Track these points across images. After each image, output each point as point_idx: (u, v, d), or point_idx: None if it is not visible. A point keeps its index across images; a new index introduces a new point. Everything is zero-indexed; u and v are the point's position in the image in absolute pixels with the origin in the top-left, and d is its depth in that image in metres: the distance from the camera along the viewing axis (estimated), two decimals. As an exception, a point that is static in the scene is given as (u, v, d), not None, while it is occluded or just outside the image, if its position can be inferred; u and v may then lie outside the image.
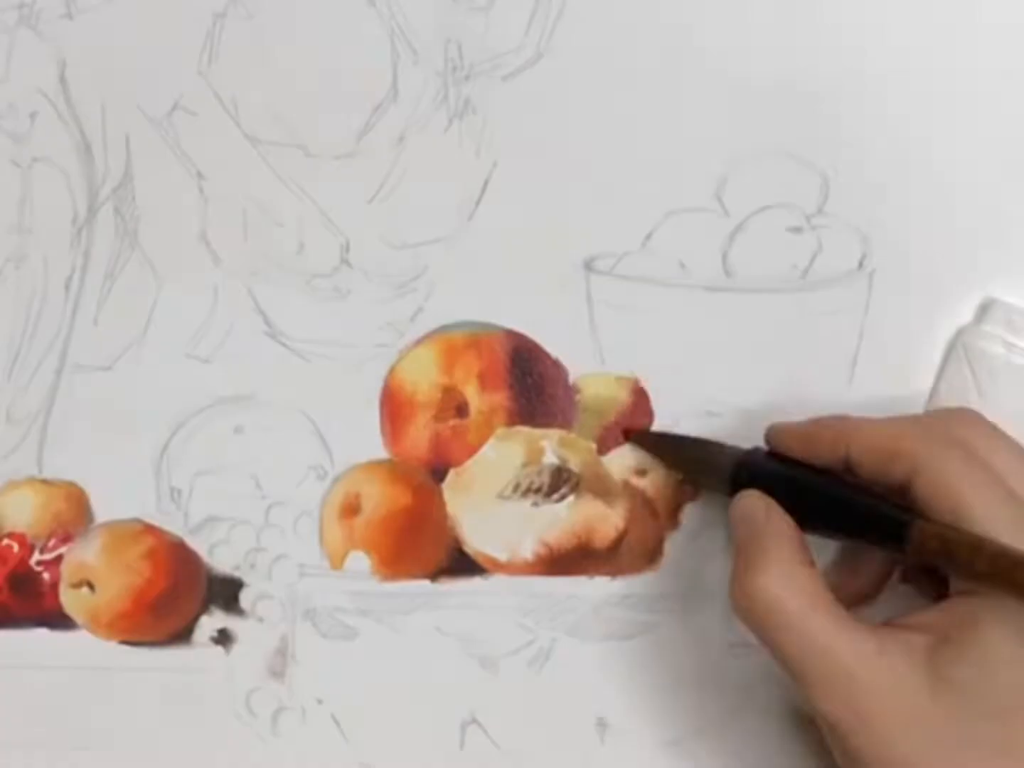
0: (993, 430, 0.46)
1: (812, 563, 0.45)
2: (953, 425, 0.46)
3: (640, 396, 0.53)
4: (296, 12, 0.52)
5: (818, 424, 0.48)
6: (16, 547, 0.52)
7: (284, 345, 0.52)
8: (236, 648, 0.51)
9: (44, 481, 0.52)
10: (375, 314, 0.52)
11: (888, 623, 0.44)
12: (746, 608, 0.44)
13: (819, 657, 0.42)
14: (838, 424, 0.47)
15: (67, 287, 0.52)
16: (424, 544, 0.52)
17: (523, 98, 0.52)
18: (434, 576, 0.52)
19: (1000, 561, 0.41)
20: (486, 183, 0.52)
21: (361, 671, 0.52)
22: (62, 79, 0.52)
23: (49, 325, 0.52)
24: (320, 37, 0.52)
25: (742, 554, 0.45)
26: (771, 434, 0.48)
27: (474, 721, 0.51)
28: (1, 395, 0.52)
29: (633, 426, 0.52)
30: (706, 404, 0.53)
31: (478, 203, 0.52)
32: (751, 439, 0.50)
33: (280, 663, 0.51)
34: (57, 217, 0.52)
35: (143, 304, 0.52)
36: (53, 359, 0.52)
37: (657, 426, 0.52)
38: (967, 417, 0.47)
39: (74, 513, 0.52)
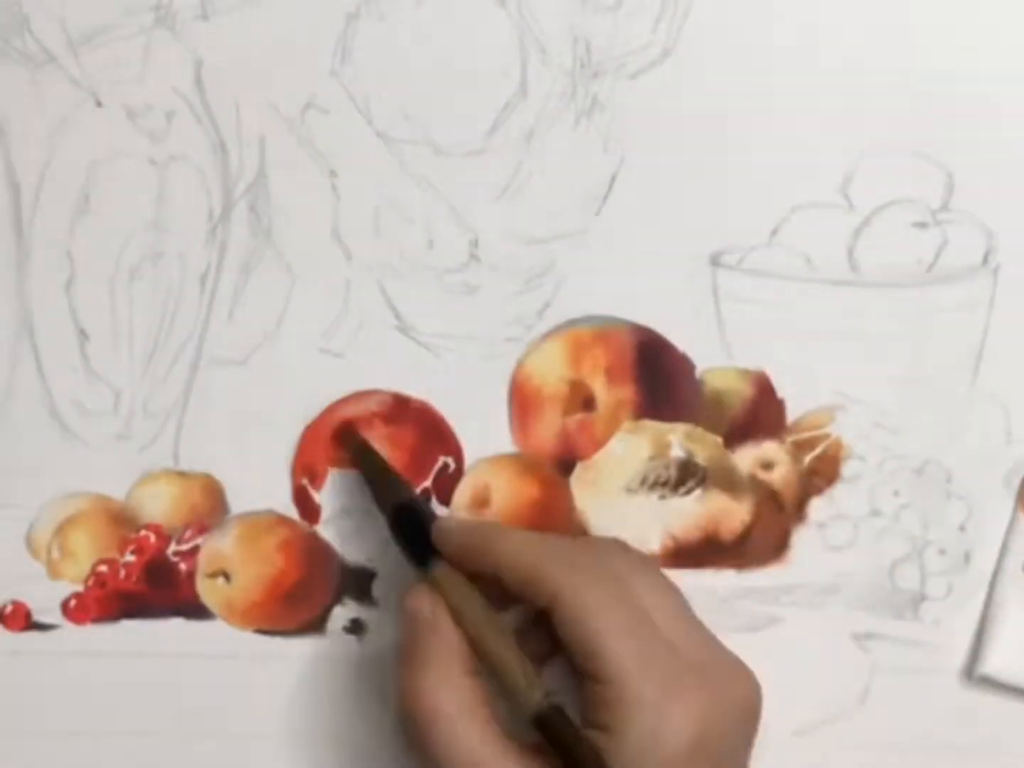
0: (642, 562, 0.46)
1: (475, 672, 0.45)
2: (601, 555, 0.46)
3: (766, 389, 0.53)
4: (427, 13, 0.53)
5: (473, 534, 0.47)
6: (153, 538, 0.53)
7: (414, 339, 0.53)
8: (369, 638, 0.52)
9: (180, 473, 0.53)
10: (503, 309, 0.53)
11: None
12: (406, 709, 0.44)
13: (464, 764, 0.43)
14: (490, 537, 0.46)
15: (203, 283, 0.53)
16: (550, 537, 0.53)
17: (650, 95, 0.53)
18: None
19: None
20: (613, 179, 0.53)
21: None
22: (198, 79, 0.53)
23: (185, 320, 0.53)
24: (450, 37, 0.53)
25: (407, 654, 0.45)
26: (436, 532, 0.47)
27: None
28: (139, 389, 0.53)
29: (353, 427, 0.52)
30: (831, 397, 0.53)
31: (605, 199, 0.53)
32: (870, 440, 0.50)
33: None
34: (193, 214, 0.53)
35: (277, 299, 0.53)
36: (189, 353, 0.53)
37: (788, 417, 0.52)
38: (617, 548, 0.47)
39: (210, 505, 0.53)
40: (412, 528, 0.47)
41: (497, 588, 0.45)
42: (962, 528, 0.52)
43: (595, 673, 0.43)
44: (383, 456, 0.51)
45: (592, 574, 0.44)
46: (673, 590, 0.46)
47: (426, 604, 0.46)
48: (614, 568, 0.45)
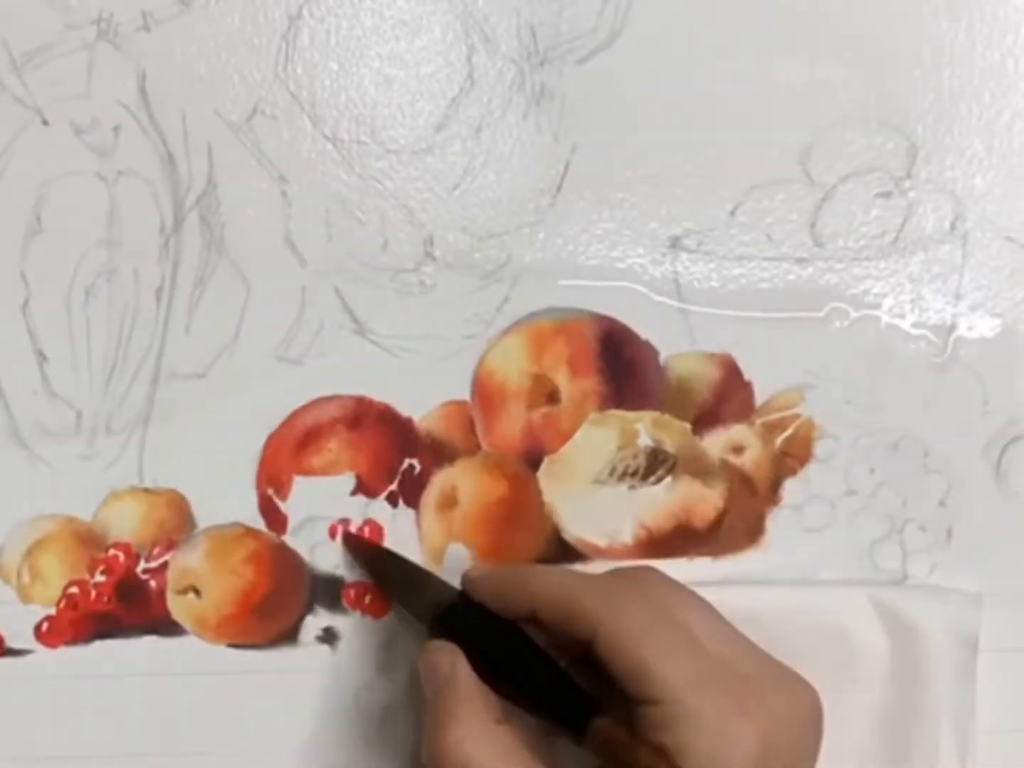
0: (677, 586, 0.45)
1: (505, 720, 0.44)
2: (637, 582, 0.45)
3: (732, 372, 0.52)
4: (369, 9, 0.52)
5: (506, 576, 0.46)
6: (122, 557, 0.52)
7: (373, 342, 0.52)
8: (342, 646, 0.51)
9: (146, 490, 0.52)
10: (461, 306, 0.52)
11: None
12: (436, 764, 0.43)
13: None
14: (524, 577, 0.46)
15: (158, 297, 0.53)
16: (522, 534, 0.52)
17: (600, 80, 0.52)
18: (534, 566, 0.52)
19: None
20: (566, 167, 0.52)
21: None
22: (142, 91, 0.53)
23: (142, 335, 0.53)
24: (394, 32, 0.52)
25: (431, 711, 0.44)
26: (466, 582, 0.47)
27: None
28: (100, 408, 0.53)
29: (360, 536, 0.51)
30: (800, 376, 0.52)
31: (560, 188, 0.52)
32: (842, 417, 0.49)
33: (387, 659, 0.51)
34: (145, 228, 0.53)
35: (233, 310, 0.52)
36: (148, 369, 0.52)
37: (757, 399, 0.52)
38: (651, 575, 0.46)
39: (177, 520, 0.52)
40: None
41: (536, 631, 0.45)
42: (942, 503, 0.51)
43: (648, 695, 0.42)
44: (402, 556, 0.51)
45: (631, 599, 0.44)
46: (712, 609, 0.46)
47: (444, 658, 0.45)
48: (651, 592, 0.45)
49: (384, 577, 0.51)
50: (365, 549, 0.51)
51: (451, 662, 0.45)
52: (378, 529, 0.52)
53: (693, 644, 0.43)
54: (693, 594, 0.46)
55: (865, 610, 0.49)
